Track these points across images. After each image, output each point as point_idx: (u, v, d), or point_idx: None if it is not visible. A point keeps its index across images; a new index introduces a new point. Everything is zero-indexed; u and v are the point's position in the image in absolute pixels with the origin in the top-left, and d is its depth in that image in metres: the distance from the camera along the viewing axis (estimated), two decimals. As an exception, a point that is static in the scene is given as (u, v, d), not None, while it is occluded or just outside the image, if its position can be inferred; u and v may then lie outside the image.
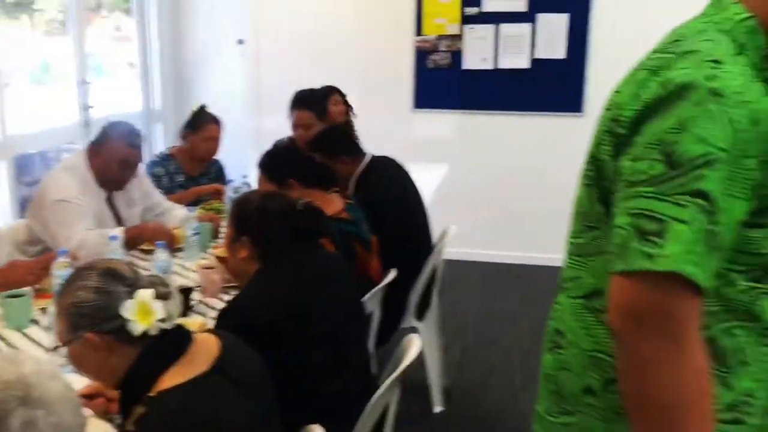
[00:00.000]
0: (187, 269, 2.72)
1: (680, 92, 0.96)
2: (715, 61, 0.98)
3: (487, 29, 4.98)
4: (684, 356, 0.94)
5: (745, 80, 0.97)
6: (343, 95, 4.21)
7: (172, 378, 1.31)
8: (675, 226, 0.92)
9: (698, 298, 0.94)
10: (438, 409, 3.22)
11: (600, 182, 1.09)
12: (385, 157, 3.27)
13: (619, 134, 1.03)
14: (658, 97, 0.98)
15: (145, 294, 1.33)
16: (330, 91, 4.17)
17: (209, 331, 1.50)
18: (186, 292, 2.32)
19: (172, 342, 1.36)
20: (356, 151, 3.10)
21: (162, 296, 1.36)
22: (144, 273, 1.43)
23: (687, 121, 0.94)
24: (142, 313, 1.32)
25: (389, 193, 3.06)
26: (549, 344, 1.22)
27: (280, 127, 4.00)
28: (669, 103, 0.97)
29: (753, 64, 1.02)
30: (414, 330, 3.07)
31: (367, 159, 3.12)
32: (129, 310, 1.32)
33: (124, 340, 1.34)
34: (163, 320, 1.34)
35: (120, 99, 5.29)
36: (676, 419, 0.95)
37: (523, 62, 4.97)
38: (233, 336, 1.53)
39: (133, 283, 1.36)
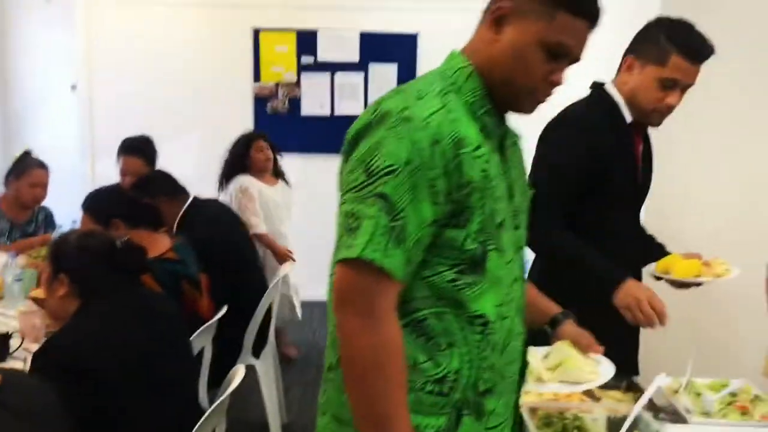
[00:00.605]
0: (9, 316, 2.63)
1: (381, 118, 1.20)
2: (419, 97, 1.22)
3: (323, 77, 5.21)
4: (375, 329, 1.16)
5: (438, 110, 1.20)
6: (267, 139, 4.09)
7: None
8: (364, 222, 1.15)
9: (389, 281, 1.16)
10: (277, 445, 3.25)
11: None
12: (210, 199, 3.33)
13: (345, 152, 1.26)
14: (368, 122, 1.22)
15: None
16: (253, 138, 4.06)
17: None
18: (3, 338, 2.26)
19: None
20: (177, 191, 3.15)
21: None
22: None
23: (382, 140, 1.18)
24: None
25: (215, 232, 3.11)
26: None
27: (114, 173, 3.95)
28: (373, 127, 1.21)
29: (467, 102, 1.26)
30: (251, 368, 3.12)
31: (189, 200, 3.18)
32: None
33: None
34: None
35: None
36: (371, 381, 1.16)
37: (358, 108, 5.22)
38: (19, 370, 1.53)
39: None
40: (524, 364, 1.41)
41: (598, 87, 2.09)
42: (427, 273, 1.22)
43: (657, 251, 2.21)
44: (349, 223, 1.17)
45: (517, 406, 1.42)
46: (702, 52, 1.92)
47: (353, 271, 1.16)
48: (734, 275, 2.08)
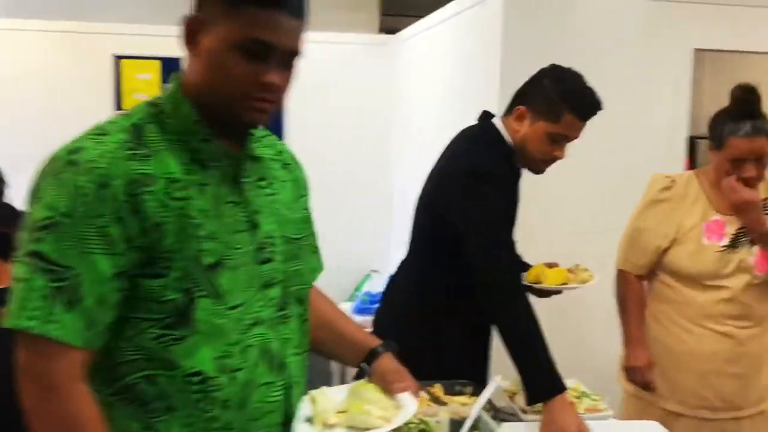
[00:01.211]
0: None
1: (50, 164, 1.10)
2: (101, 134, 1.11)
3: (189, 105, 5.18)
4: (57, 402, 1.05)
5: (114, 149, 1.09)
6: None
7: None
8: (17, 285, 1.05)
9: (62, 348, 1.04)
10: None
11: None
12: None
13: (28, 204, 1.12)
14: (42, 170, 1.12)
15: None
16: None
17: None
18: None
19: None
20: (21, 222, 3.07)
21: None
22: None
23: (43, 189, 1.07)
24: None
25: None
26: None
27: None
28: (43, 175, 1.09)
29: (176, 131, 1.15)
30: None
31: None
32: None
33: None
34: None
35: None
36: None
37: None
38: None
39: None
40: (288, 414, 1.26)
41: (488, 121, 2.13)
42: (130, 332, 1.11)
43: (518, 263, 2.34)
44: (12, 286, 1.06)
45: None
46: (593, 110, 2.01)
47: (20, 341, 1.05)
48: (597, 280, 2.24)
